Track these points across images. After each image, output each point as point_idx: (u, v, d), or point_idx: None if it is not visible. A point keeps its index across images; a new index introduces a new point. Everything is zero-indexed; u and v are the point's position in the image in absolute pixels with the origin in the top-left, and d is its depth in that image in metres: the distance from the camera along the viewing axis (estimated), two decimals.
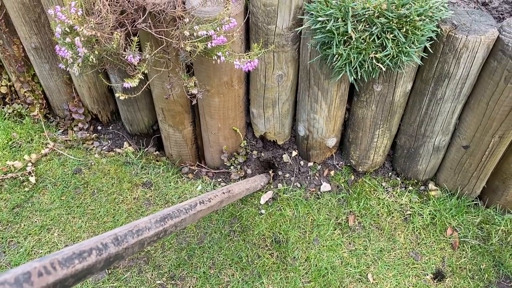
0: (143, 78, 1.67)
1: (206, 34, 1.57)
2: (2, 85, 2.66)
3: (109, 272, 2.00)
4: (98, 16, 1.58)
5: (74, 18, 1.48)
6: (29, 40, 2.29)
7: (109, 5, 1.60)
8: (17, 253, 2.06)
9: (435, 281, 1.99)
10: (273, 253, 2.07)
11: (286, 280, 1.98)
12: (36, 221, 2.19)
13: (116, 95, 1.74)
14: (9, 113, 2.70)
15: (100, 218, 2.20)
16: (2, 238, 2.12)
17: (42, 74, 2.48)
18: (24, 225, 2.18)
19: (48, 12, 1.87)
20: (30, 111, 2.67)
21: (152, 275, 1.99)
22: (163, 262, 2.04)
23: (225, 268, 2.02)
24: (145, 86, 1.86)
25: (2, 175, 2.36)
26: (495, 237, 2.09)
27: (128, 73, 1.72)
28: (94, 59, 1.57)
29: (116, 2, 1.63)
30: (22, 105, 2.69)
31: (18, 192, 2.31)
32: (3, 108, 2.72)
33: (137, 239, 1.06)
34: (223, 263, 2.03)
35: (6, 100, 2.72)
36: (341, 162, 2.38)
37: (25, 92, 2.60)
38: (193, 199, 1.47)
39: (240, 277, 1.98)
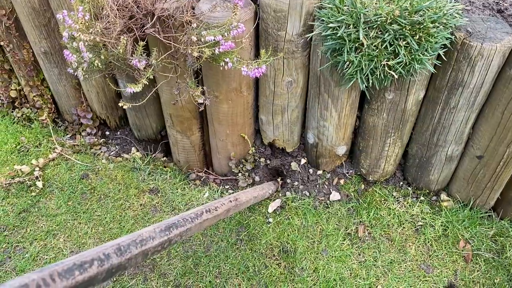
0: (148, 83, 1.64)
1: (214, 40, 1.55)
2: (11, 89, 2.66)
3: (114, 279, 1.97)
4: (106, 21, 1.56)
5: (81, 23, 1.46)
6: (38, 45, 2.29)
7: (117, 10, 1.59)
8: (23, 258, 2.05)
9: None
10: (280, 263, 2.03)
11: None
12: (42, 226, 2.18)
13: (120, 104, 1.72)
14: (18, 117, 2.70)
15: (106, 224, 2.18)
16: (8, 243, 2.11)
17: (51, 79, 2.48)
18: (30, 230, 2.16)
19: (57, 17, 1.87)
20: (39, 116, 2.67)
21: (157, 283, 1.96)
22: (169, 270, 2.00)
23: (232, 277, 1.98)
24: (151, 93, 1.84)
25: (10, 179, 2.35)
26: (509, 250, 2.03)
27: (137, 78, 1.70)
28: (99, 63, 1.55)
29: (125, 7, 1.62)
30: (31, 109, 2.69)
31: (25, 196, 2.30)
32: (12, 112, 2.72)
33: (141, 249, 1.03)
34: (230, 273, 2.00)
35: (16, 104, 2.72)
36: (351, 171, 2.33)
37: (34, 96, 2.60)
38: (199, 207, 1.44)
39: (246, 287, 1.95)
